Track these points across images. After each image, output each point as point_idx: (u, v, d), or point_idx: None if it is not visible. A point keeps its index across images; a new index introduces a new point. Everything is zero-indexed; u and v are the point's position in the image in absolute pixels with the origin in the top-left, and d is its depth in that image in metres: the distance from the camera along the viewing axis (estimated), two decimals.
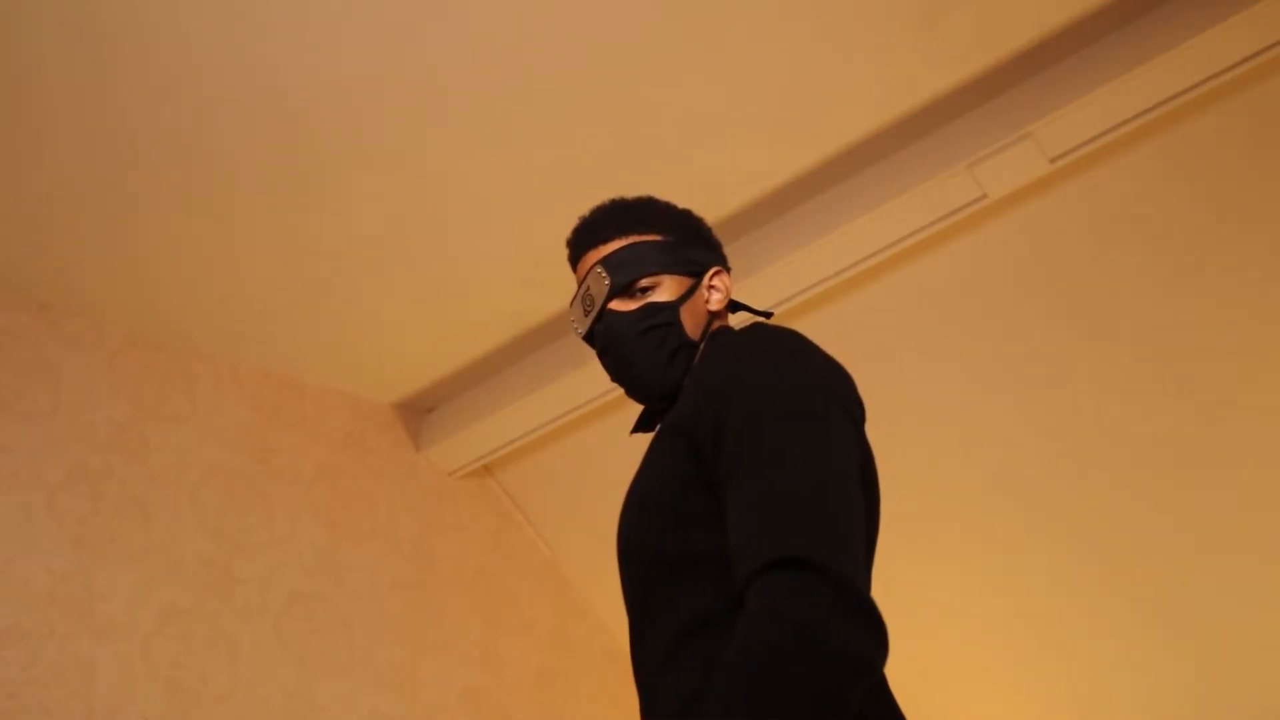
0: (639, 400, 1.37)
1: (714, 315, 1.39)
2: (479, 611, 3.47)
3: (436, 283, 3.04)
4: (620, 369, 1.35)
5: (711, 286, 1.39)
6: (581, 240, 1.41)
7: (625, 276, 1.34)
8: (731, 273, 1.44)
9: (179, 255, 2.80)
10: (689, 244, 1.39)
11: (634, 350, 1.32)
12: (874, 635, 0.97)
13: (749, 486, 1.06)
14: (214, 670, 2.77)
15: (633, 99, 2.59)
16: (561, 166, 2.71)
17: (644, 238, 1.37)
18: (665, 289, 1.34)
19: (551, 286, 3.04)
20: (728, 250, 1.48)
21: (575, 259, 1.42)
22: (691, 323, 1.34)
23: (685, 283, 1.36)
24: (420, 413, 3.62)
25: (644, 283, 1.34)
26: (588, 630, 3.78)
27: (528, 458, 3.65)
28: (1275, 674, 3.33)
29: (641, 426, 1.41)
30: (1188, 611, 3.33)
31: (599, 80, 2.54)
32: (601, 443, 3.45)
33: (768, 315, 1.43)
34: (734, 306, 1.45)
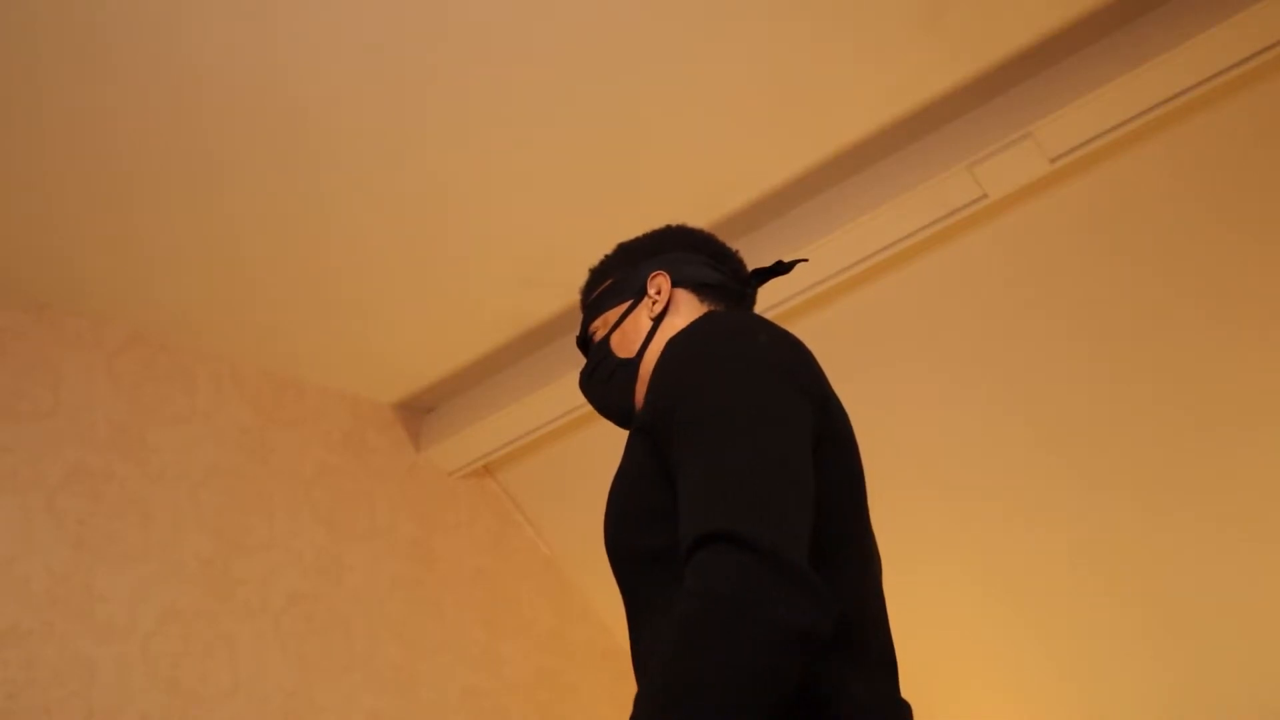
0: (626, 429, 1.42)
1: (664, 316, 1.41)
2: (479, 611, 3.48)
3: (436, 283, 3.04)
4: (602, 414, 1.48)
5: (654, 298, 1.42)
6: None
7: (581, 339, 1.48)
8: (706, 252, 1.46)
9: (179, 255, 2.80)
10: (630, 269, 1.45)
11: (591, 395, 1.47)
12: (809, 604, 0.96)
13: (690, 470, 1.07)
14: (214, 670, 2.77)
15: (633, 99, 2.59)
16: (562, 166, 2.71)
17: (597, 290, 1.48)
18: (602, 328, 1.45)
19: (551, 286, 3.04)
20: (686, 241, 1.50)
21: None
22: (625, 342, 1.42)
23: (620, 309, 1.44)
24: (420, 413, 3.62)
25: (589, 333, 1.47)
26: (587, 630, 3.78)
27: (528, 458, 3.65)
28: (1277, 675, 3.33)
29: None
30: (1189, 611, 3.33)
31: (599, 81, 2.54)
32: (601, 443, 3.43)
33: (786, 269, 1.46)
34: (756, 277, 1.47)
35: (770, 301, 2.99)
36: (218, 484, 2.98)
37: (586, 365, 1.47)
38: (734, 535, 0.97)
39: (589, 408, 3.33)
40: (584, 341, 1.49)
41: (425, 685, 3.22)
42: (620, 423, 1.45)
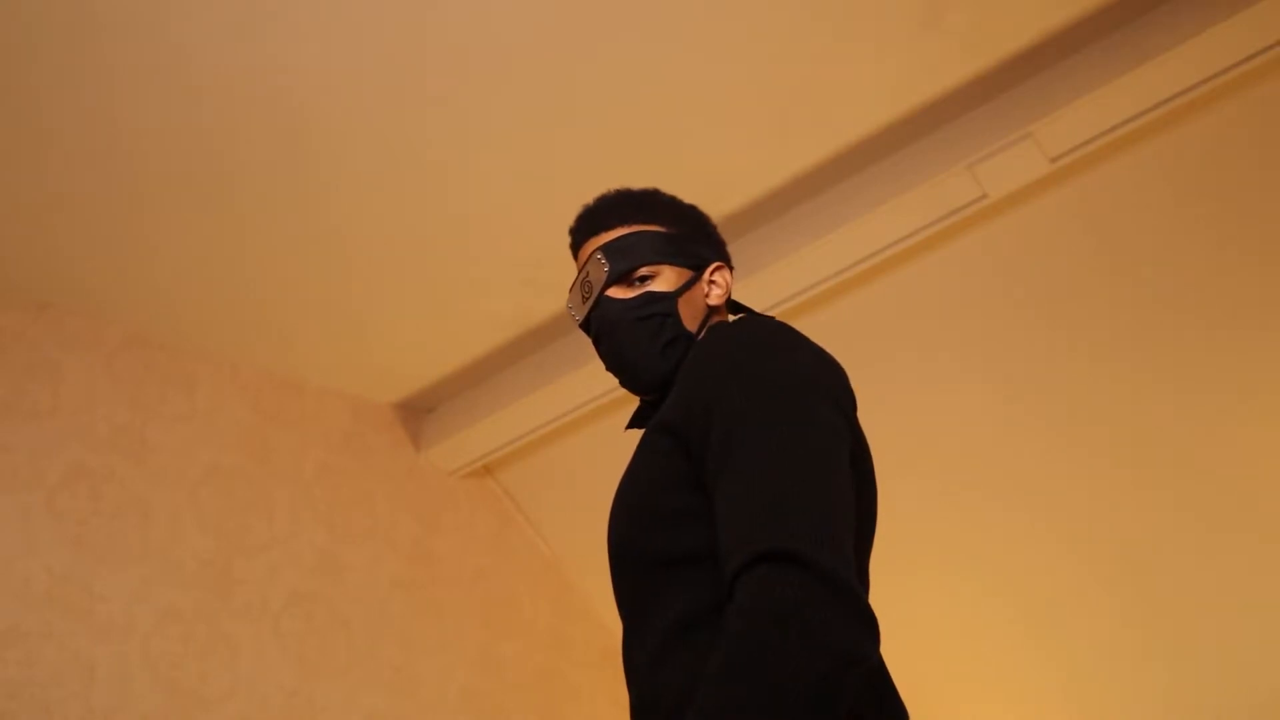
0: (632, 389, 1.36)
1: (712, 310, 1.38)
2: (479, 611, 3.47)
3: (437, 283, 3.04)
4: (614, 356, 1.34)
5: (712, 281, 1.38)
6: (584, 227, 1.40)
7: (625, 264, 1.33)
8: (734, 272, 1.44)
9: (179, 255, 2.80)
10: (691, 238, 1.39)
11: (628, 337, 1.32)
12: (862, 627, 0.95)
13: (735, 481, 1.05)
14: (214, 670, 2.77)
15: (633, 99, 2.59)
16: (562, 167, 2.71)
17: (646, 227, 1.37)
18: (664, 279, 1.34)
19: (551, 287, 3.04)
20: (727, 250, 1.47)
21: (577, 246, 1.42)
22: (689, 314, 1.33)
23: (685, 274, 1.35)
24: (420, 413, 3.62)
25: (643, 271, 1.34)
26: (587, 630, 3.78)
27: (528, 458, 3.65)
28: (1274, 676, 3.33)
29: (636, 422, 1.39)
30: (1187, 611, 3.33)
31: (599, 81, 2.54)
32: (601, 443, 3.45)
33: None
34: (736, 308, 1.44)
35: (771, 301, 2.99)
36: (218, 484, 2.98)
37: (633, 302, 1.32)
38: (794, 556, 0.96)
39: (589, 408, 3.36)
40: (621, 261, 1.33)
41: (425, 685, 3.21)
42: (635, 384, 1.34)
